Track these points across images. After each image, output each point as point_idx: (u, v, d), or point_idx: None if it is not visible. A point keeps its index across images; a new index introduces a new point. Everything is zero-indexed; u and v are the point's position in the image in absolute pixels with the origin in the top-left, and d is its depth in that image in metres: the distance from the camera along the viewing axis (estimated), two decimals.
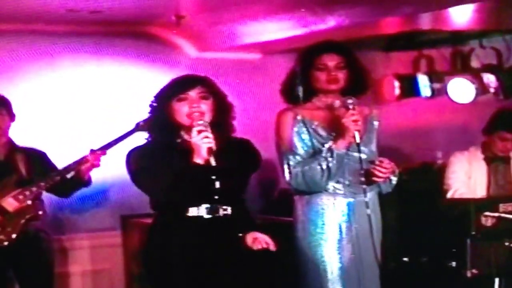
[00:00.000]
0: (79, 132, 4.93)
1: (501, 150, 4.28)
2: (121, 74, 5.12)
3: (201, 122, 2.91)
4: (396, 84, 5.23)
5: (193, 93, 2.97)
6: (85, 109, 5.02)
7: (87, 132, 4.90)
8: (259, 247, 2.93)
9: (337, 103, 3.26)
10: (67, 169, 3.98)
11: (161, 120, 2.98)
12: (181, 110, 2.95)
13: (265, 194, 5.25)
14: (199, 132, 2.88)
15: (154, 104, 3.01)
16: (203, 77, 3.06)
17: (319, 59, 3.27)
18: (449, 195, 4.28)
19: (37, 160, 4.08)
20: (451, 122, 5.28)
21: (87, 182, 4.14)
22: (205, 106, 2.97)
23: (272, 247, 2.96)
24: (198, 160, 2.88)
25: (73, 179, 4.05)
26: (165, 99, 2.98)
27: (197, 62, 5.10)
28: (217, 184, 2.92)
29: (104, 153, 3.96)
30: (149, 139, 3.06)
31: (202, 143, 2.87)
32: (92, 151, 3.97)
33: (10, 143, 4.05)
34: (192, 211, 2.95)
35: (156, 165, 2.92)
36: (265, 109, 5.00)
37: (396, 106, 5.21)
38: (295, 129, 3.27)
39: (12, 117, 4.05)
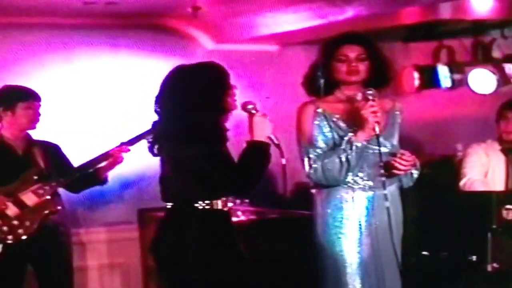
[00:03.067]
0: (95, 125, 4.93)
1: (505, 131, 4.23)
2: (137, 66, 5.10)
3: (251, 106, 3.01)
4: (416, 75, 5.19)
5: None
6: (102, 102, 5.01)
7: (103, 125, 4.90)
8: None
9: (359, 95, 3.22)
10: (88, 165, 3.98)
11: (222, 110, 2.99)
12: (233, 97, 3.01)
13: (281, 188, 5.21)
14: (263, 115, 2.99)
15: (214, 93, 2.99)
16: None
17: (340, 50, 3.24)
18: (461, 183, 4.24)
19: (53, 153, 4.09)
20: (471, 113, 5.22)
21: (104, 181, 4.15)
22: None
23: None
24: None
25: (90, 176, 4.05)
26: (224, 88, 2.99)
27: (214, 54, 5.05)
28: (283, 161, 2.97)
29: (128, 150, 3.96)
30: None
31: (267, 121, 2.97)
32: (122, 144, 3.96)
33: (27, 137, 4.07)
34: (218, 204, 2.96)
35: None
36: (282, 100, 4.98)
37: (415, 98, 5.16)
38: (316, 122, 3.24)
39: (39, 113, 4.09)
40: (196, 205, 2.93)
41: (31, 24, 4.82)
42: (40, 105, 4.06)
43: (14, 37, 4.84)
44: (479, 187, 4.19)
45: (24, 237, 3.85)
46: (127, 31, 5.02)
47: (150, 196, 4.92)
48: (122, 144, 3.96)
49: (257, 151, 2.93)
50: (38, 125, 4.07)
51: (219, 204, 2.97)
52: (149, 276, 5.15)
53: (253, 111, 2.97)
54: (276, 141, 2.97)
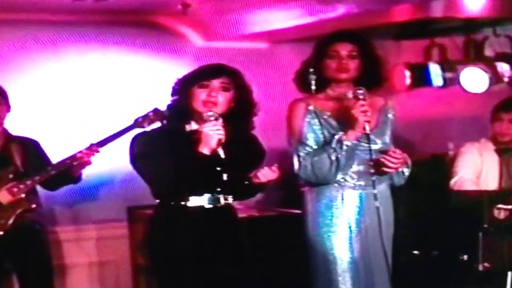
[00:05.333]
0: (84, 122, 4.89)
1: (499, 133, 4.22)
2: (127, 63, 5.07)
3: (210, 113, 2.91)
4: (407, 73, 5.16)
5: (216, 82, 2.97)
6: (90, 99, 4.98)
7: (92, 122, 4.86)
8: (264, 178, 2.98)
9: (350, 93, 3.21)
10: (63, 163, 3.96)
11: (179, 104, 2.99)
12: (199, 96, 2.95)
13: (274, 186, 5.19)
14: (214, 122, 2.90)
15: (176, 88, 3.02)
16: (232, 68, 3.07)
17: (331, 47, 3.24)
18: (452, 182, 4.22)
19: (32, 149, 4.07)
20: (463, 112, 5.21)
21: (78, 179, 4.13)
22: (223, 98, 2.97)
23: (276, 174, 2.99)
24: (205, 150, 2.89)
25: (64, 175, 4.03)
26: (187, 84, 2.98)
27: (203, 52, 5.04)
28: (224, 176, 2.93)
29: (98, 151, 3.94)
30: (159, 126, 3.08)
31: (214, 133, 2.88)
32: (91, 145, 3.95)
33: (6, 133, 4.05)
34: (194, 201, 2.97)
35: (158, 151, 2.92)
36: (271, 99, 4.94)
37: (407, 96, 5.14)
38: (307, 119, 3.23)
39: (8, 107, 4.05)
40: (172, 201, 2.96)
41: (20, 21, 4.78)
42: (4, 102, 4.00)
43: (2, 34, 4.80)
44: (469, 186, 4.18)
45: (0, 233, 3.85)
46: (116, 28, 4.98)
47: (140, 193, 4.93)
48: (92, 145, 3.94)
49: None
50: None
51: (194, 200, 2.96)
52: (138, 274, 5.13)
53: (212, 118, 2.94)
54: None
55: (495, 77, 4.93)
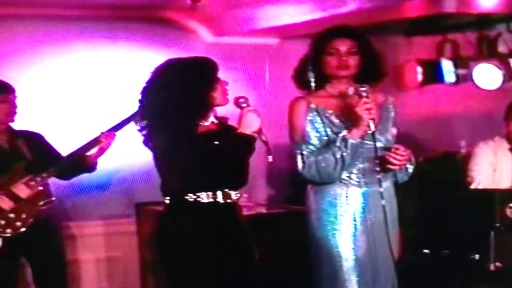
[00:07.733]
0: (93, 117, 4.89)
1: None
2: (136, 58, 5.06)
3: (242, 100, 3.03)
4: (419, 70, 5.14)
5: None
6: (100, 94, 4.98)
7: (101, 117, 4.86)
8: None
9: (351, 90, 3.17)
10: (76, 154, 3.96)
11: (203, 105, 3.00)
12: (221, 92, 3.03)
13: (282, 183, 5.19)
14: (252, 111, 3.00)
15: (196, 88, 2.99)
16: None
17: (331, 43, 3.18)
18: (472, 187, 4.20)
19: (37, 143, 4.06)
20: (476, 109, 5.18)
21: (93, 168, 4.11)
22: None
23: None
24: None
25: (79, 164, 4.02)
26: (208, 83, 3.00)
27: (213, 47, 5.03)
28: (270, 158, 2.96)
29: (114, 135, 3.94)
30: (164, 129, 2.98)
31: (256, 117, 2.98)
32: (102, 133, 3.95)
33: (10, 128, 4.04)
34: (207, 197, 2.97)
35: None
36: (282, 95, 4.92)
37: (418, 93, 5.11)
38: (308, 117, 3.18)
39: (15, 105, 4.03)
40: (186, 197, 2.95)
41: (30, 16, 4.79)
42: (15, 97, 4.00)
43: (13, 29, 4.80)
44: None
45: (22, 230, 3.83)
46: (126, 23, 4.98)
47: (148, 190, 4.93)
48: (102, 134, 3.94)
49: (239, 142, 2.96)
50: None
51: (209, 196, 2.97)
52: (146, 270, 5.13)
53: (244, 105, 2.99)
54: (263, 138, 2.97)
55: (509, 74, 4.92)
